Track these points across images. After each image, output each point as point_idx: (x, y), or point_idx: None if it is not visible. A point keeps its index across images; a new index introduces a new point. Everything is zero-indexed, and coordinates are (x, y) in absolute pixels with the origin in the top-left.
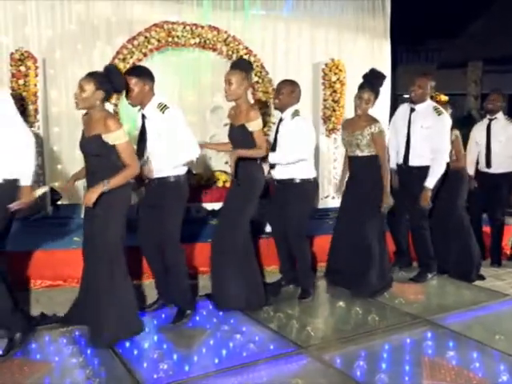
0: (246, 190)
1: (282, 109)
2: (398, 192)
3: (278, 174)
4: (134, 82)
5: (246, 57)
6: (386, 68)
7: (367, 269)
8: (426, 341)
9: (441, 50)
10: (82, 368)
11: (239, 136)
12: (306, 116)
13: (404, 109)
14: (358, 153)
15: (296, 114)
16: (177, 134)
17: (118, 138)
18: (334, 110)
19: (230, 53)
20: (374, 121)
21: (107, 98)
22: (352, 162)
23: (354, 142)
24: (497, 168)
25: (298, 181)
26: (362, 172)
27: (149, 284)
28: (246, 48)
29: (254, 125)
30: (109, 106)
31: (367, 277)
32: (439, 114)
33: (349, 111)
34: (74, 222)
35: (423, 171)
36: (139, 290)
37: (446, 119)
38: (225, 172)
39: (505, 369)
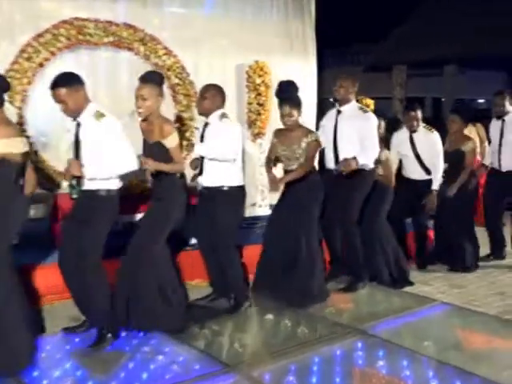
0: (164, 206)
1: (206, 114)
2: (331, 197)
3: (206, 180)
4: (64, 93)
5: (165, 57)
6: (312, 71)
7: (309, 279)
8: (357, 351)
9: (367, 54)
10: None
11: (156, 153)
12: (234, 120)
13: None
14: (296, 167)
15: (224, 116)
16: (112, 144)
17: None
18: (260, 114)
19: (148, 53)
20: (310, 131)
21: None
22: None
23: (293, 156)
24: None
25: (225, 188)
26: (300, 184)
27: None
28: (165, 48)
29: (171, 140)
30: (12, 110)
31: (309, 287)
32: (365, 112)
33: (275, 115)
34: None
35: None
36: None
37: (372, 117)
38: None
39: (434, 375)
